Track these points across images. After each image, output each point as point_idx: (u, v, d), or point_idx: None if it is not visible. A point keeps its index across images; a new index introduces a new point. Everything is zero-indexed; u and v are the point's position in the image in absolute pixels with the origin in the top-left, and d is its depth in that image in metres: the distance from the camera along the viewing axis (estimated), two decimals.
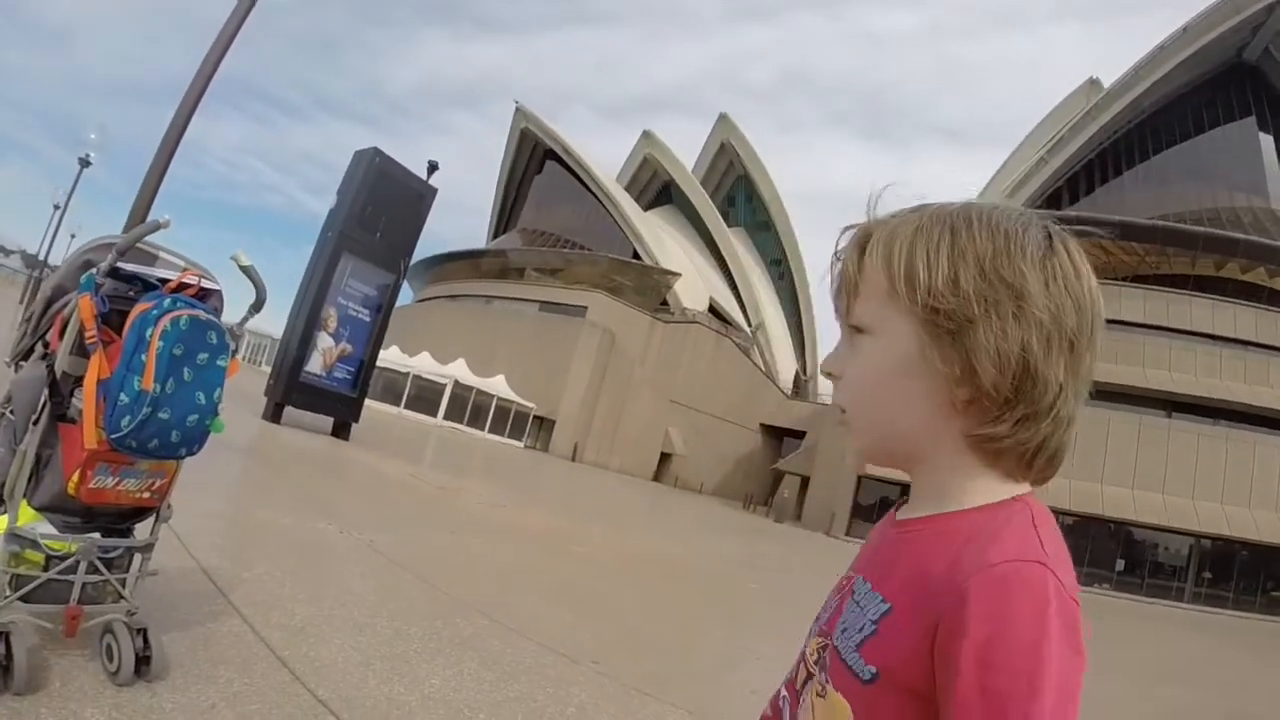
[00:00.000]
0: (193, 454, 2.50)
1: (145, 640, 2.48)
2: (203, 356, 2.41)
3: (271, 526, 5.43)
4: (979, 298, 0.72)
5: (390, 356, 41.12)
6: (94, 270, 2.35)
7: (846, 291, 0.80)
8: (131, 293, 2.46)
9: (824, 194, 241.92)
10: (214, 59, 8.23)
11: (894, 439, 0.79)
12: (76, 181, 34.69)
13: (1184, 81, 48.53)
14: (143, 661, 2.45)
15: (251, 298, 2.77)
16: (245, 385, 20.62)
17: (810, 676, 0.82)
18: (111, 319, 2.38)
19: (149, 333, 2.32)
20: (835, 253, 0.83)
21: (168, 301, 2.37)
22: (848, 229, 0.83)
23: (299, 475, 8.94)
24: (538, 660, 3.75)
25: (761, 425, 63.54)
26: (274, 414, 13.69)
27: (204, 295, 2.56)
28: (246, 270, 2.66)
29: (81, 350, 2.33)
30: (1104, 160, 49.62)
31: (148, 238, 2.52)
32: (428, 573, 5.11)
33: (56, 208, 38.49)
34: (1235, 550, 37.16)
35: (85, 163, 33.45)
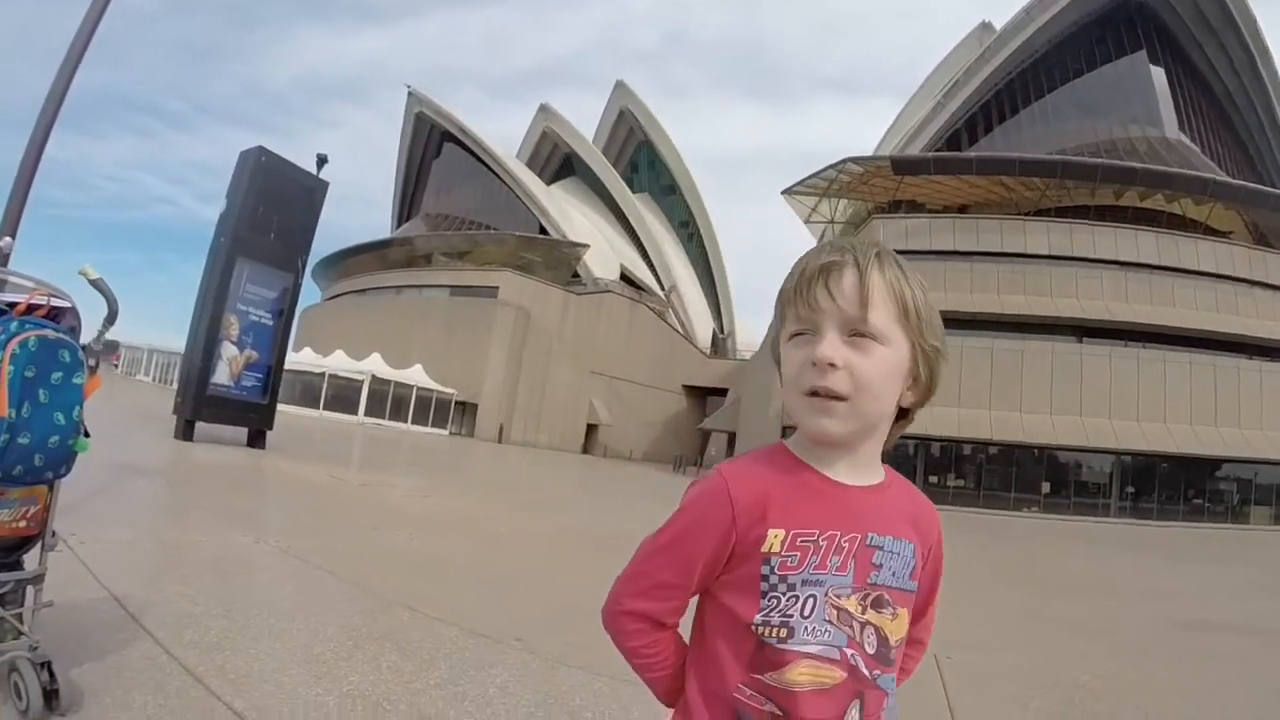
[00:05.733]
0: (60, 476, 2.44)
1: (51, 674, 2.42)
2: (57, 376, 2.34)
3: (184, 546, 5.30)
4: (935, 334, 1.07)
5: (304, 358, 40.20)
6: None
7: (862, 301, 1.01)
8: None
9: (721, 156, 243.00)
10: (70, 67, 7.88)
11: (878, 422, 1.06)
12: None
13: (1074, 20, 49.87)
14: (51, 695, 2.39)
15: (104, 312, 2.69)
16: (156, 407, 19.96)
17: (867, 624, 1.05)
18: None
19: None
20: (853, 262, 1.03)
21: (15, 325, 2.30)
22: (842, 247, 1.06)
23: (213, 490, 8.71)
24: (458, 645, 3.75)
25: (684, 386, 64.18)
26: (185, 432, 13.17)
27: (56, 315, 2.48)
28: (95, 284, 2.59)
29: None
30: (1000, 100, 50.78)
31: None
32: (346, 571, 5.05)
33: None
34: (1155, 464, 38.88)
35: None
